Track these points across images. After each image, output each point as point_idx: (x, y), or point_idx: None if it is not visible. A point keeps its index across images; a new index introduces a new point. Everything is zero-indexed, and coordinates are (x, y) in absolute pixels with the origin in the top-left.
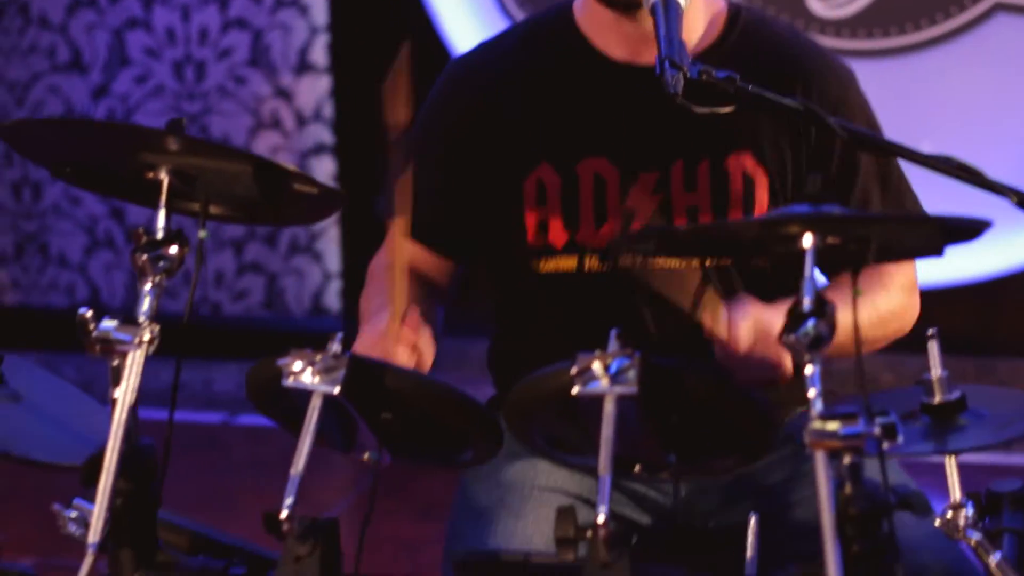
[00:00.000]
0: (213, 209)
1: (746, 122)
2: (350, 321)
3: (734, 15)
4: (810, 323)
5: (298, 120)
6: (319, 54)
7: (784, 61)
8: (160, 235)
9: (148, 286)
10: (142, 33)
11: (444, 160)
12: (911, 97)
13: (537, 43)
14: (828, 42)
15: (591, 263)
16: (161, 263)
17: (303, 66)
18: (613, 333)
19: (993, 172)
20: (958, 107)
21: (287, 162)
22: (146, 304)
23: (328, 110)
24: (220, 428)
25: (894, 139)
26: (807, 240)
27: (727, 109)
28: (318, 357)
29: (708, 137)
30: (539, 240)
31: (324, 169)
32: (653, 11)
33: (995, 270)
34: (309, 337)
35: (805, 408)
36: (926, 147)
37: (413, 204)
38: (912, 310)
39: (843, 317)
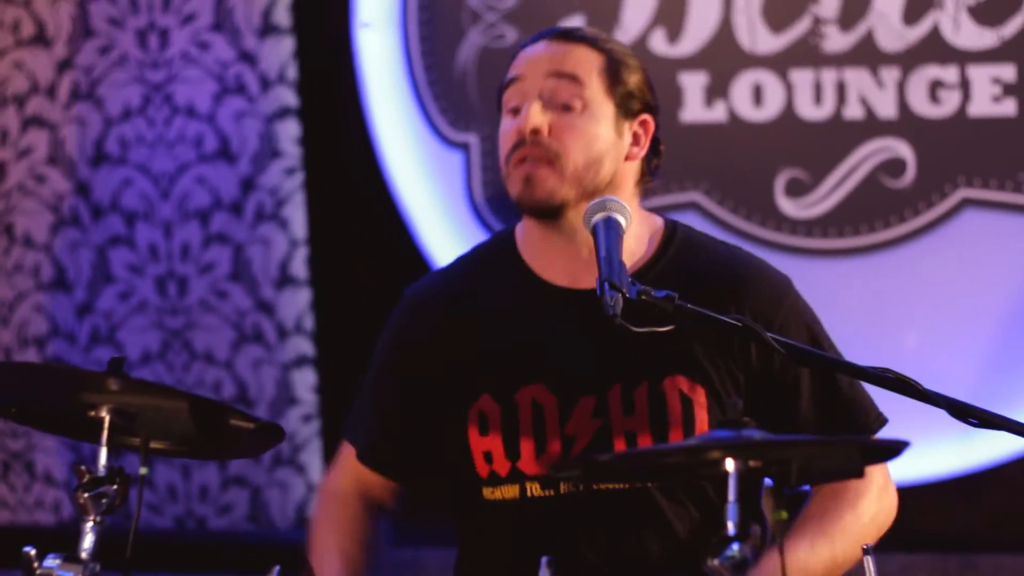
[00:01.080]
0: (155, 444)
1: (680, 342)
2: None
3: (670, 232)
4: (735, 547)
5: (280, 333)
6: (299, 267)
7: (717, 275)
8: (102, 472)
9: (90, 524)
10: (125, 250)
11: (393, 390)
12: (884, 294)
13: (481, 271)
14: (798, 242)
15: (533, 490)
16: (103, 501)
17: (284, 279)
18: (544, 561)
19: (971, 359)
20: (932, 302)
21: (269, 374)
22: (88, 541)
23: (308, 322)
24: None
25: (865, 335)
26: (729, 464)
27: (666, 328)
28: None
29: (643, 360)
30: (484, 469)
31: (305, 381)
32: (594, 231)
33: (973, 464)
34: (294, 549)
35: None
36: (911, 343)
37: (363, 428)
38: (889, 506)
39: (822, 553)
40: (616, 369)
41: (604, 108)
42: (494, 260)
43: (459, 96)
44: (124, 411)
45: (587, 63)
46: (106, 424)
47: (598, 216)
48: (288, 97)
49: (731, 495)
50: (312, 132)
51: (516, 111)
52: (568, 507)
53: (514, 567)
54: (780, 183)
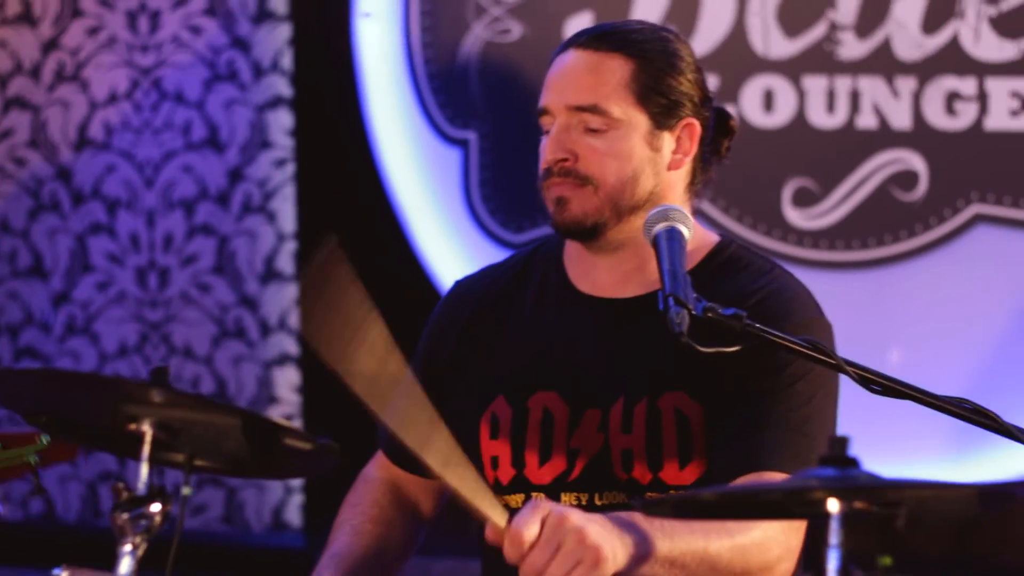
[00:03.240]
0: (199, 462)
1: (684, 357)
2: (311, 537)
3: (720, 249)
4: None
5: (263, 329)
6: (286, 262)
7: (746, 301)
8: (142, 491)
9: (128, 547)
10: (105, 239)
11: (422, 383)
12: (887, 308)
13: (524, 272)
14: (804, 254)
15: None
16: (142, 522)
17: (269, 274)
18: None
19: (968, 384)
20: (936, 319)
21: (250, 372)
22: (125, 567)
23: (293, 319)
24: None
25: (865, 351)
26: (833, 506)
27: (733, 349)
28: None
29: (647, 373)
30: (490, 476)
31: (288, 380)
32: (655, 242)
33: None
34: (269, 553)
35: None
36: (893, 358)
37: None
38: (787, 549)
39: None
40: (621, 382)
41: (635, 123)
42: (539, 261)
43: (460, 91)
44: (168, 425)
45: (612, 80)
46: (148, 439)
47: (660, 226)
48: (281, 86)
49: (832, 538)
50: (305, 123)
51: (548, 133)
52: None
53: None
54: (788, 192)
